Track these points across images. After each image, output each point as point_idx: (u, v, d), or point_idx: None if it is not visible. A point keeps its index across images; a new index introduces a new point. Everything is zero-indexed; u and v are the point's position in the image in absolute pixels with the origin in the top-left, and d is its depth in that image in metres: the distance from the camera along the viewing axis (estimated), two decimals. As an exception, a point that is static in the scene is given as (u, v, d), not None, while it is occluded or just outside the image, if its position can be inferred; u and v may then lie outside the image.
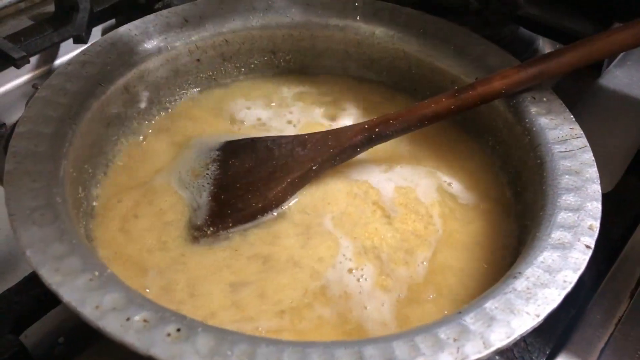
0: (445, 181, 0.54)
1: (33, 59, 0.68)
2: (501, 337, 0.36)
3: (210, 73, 0.62)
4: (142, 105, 0.57)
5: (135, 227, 0.49)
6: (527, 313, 0.37)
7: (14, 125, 0.47)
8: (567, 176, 0.46)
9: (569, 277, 0.39)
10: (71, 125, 0.48)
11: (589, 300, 0.52)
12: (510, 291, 0.38)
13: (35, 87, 0.68)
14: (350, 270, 0.47)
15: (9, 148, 0.44)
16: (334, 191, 0.53)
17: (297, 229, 0.50)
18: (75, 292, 0.36)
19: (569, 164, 0.47)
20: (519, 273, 0.40)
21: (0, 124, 0.66)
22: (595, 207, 0.44)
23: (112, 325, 0.34)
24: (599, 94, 0.69)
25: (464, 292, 0.46)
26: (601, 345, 0.49)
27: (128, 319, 0.34)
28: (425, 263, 0.48)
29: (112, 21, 0.74)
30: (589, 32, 0.58)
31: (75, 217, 0.44)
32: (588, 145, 0.49)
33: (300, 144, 0.53)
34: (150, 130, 0.57)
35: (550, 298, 0.38)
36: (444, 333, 0.36)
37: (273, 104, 0.61)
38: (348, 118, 0.60)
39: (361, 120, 0.57)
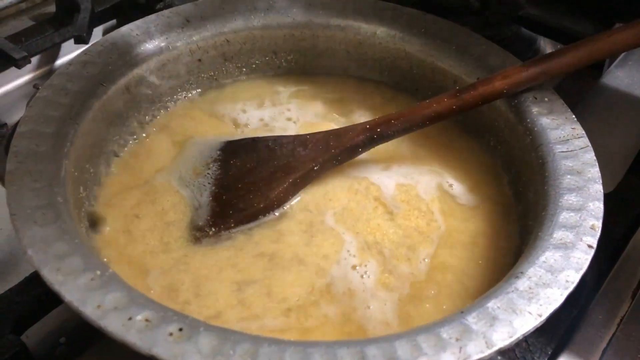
0: (446, 181, 0.54)
1: (34, 59, 0.68)
2: (503, 336, 0.36)
3: (212, 73, 0.61)
4: (143, 105, 0.57)
5: (137, 227, 0.49)
6: (530, 313, 0.37)
7: (16, 125, 0.47)
8: (569, 176, 0.46)
9: (571, 277, 0.39)
10: (72, 125, 0.48)
11: (591, 300, 0.52)
12: (513, 291, 0.38)
13: (36, 87, 0.68)
14: (354, 267, 0.47)
15: (11, 148, 0.44)
16: (335, 188, 0.53)
17: (301, 226, 0.50)
18: (77, 291, 0.36)
19: (570, 164, 0.47)
20: (521, 273, 0.40)
21: (1, 124, 0.66)
22: (597, 207, 0.44)
23: (114, 324, 0.34)
24: (600, 94, 0.69)
25: (464, 291, 0.46)
26: (603, 345, 0.49)
27: (130, 319, 0.34)
28: (427, 260, 0.48)
29: (113, 21, 0.74)
30: (589, 32, 0.58)
31: (76, 216, 0.44)
32: (590, 145, 0.49)
33: (301, 144, 0.53)
34: (151, 130, 0.57)
35: (553, 298, 0.38)
36: (446, 333, 0.36)
37: (274, 104, 0.61)
38: (349, 118, 0.60)
39: (362, 120, 0.57)
